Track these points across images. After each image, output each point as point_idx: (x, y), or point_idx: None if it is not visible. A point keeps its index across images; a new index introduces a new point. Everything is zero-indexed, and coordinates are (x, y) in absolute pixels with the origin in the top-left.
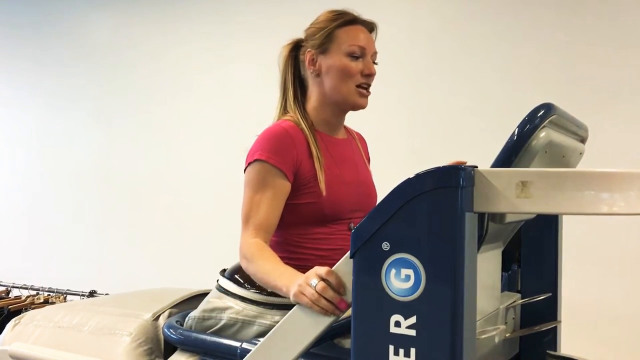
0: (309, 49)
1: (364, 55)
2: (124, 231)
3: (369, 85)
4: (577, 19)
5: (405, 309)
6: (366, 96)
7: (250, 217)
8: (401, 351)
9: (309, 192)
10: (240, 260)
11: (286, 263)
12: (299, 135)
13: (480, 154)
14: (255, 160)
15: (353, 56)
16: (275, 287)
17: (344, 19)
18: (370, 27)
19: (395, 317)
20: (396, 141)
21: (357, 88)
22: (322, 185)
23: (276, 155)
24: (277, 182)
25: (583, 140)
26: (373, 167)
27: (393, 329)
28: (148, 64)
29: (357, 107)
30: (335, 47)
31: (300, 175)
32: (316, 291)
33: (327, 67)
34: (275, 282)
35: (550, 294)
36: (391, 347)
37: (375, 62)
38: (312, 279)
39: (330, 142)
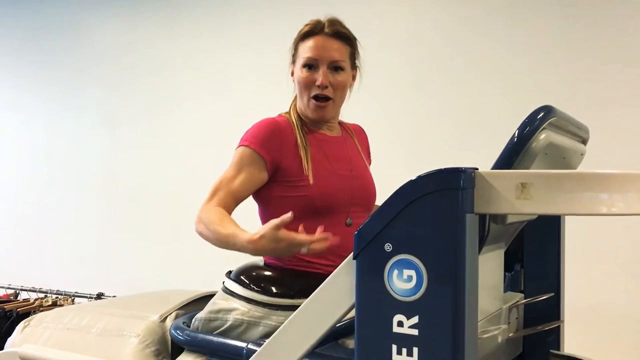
0: (290, 61)
1: (317, 66)
2: (131, 234)
3: (325, 96)
4: (577, 21)
5: (408, 309)
6: (321, 107)
7: (219, 189)
8: (404, 350)
9: (299, 185)
10: (197, 224)
11: (283, 262)
12: (289, 129)
13: (481, 157)
14: (242, 145)
15: (309, 67)
16: (236, 244)
17: (302, 32)
18: (339, 35)
19: (398, 317)
20: (396, 143)
21: (313, 100)
22: (309, 174)
23: (261, 144)
24: (255, 169)
25: (584, 141)
26: (373, 168)
27: (396, 329)
28: (154, 68)
29: (314, 119)
30: (298, 60)
31: (286, 168)
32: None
33: (294, 78)
34: (235, 242)
35: (553, 294)
36: (394, 347)
37: (341, 67)
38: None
39: (323, 139)
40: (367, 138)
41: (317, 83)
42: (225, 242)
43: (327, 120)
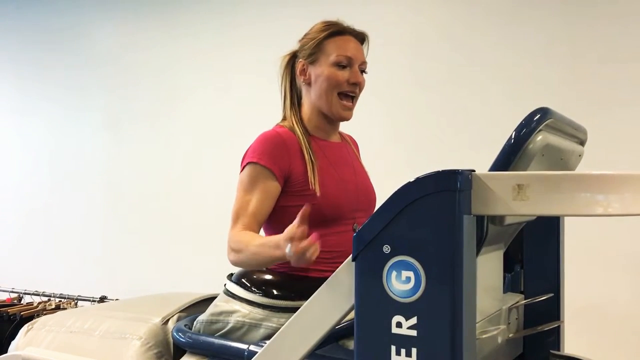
0: (300, 59)
1: (351, 64)
2: (133, 237)
3: (355, 95)
4: (578, 20)
5: (406, 310)
6: (350, 109)
7: (240, 216)
8: (403, 351)
9: (307, 195)
10: (229, 254)
11: (288, 269)
12: (292, 139)
13: (482, 157)
14: (248, 163)
15: (340, 65)
16: (271, 257)
17: (332, 30)
18: (361, 37)
19: (396, 318)
20: (397, 143)
21: (342, 100)
22: (316, 186)
23: (267, 157)
24: (268, 183)
25: (582, 142)
26: (374, 169)
27: (395, 330)
28: (156, 69)
29: (340, 119)
30: (324, 57)
31: (294, 178)
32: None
33: (315, 77)
34: (268, 254)
35: (553, 294)
36: (393, 348)
37: (365, 71)
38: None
39: (326, 145)
40: (358, 148)
41: (352, 80)
42: (257, 257)
43: (344, 121)
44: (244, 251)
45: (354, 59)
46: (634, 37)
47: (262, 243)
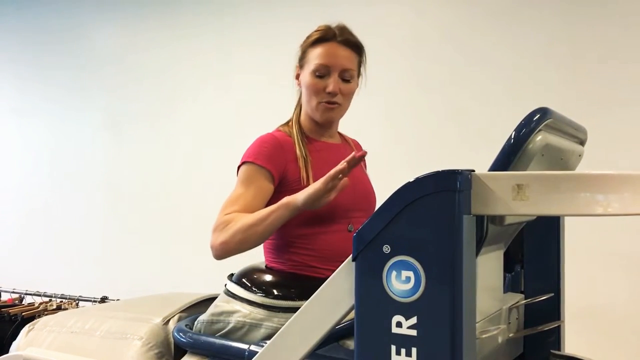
0: (296, 64)
1: (329, 73)
2: (133, 237)
3: (334, 102)
4: (576, 20)
5: (406, 310)
6: (331, 109)
7: (229, 205)
8: (403, 351)
9: None
10: (215, 234)
11: (286, 266)
12: (289, 143)
13: (482, 157)
14: (244, 163)
15: (318, 75)
16: (276, 211)
17: (315, 37)
18: (351, 44)
19: (396, 318)
20: (398, 144)
21: (323, 104)
22: (310, 183)
23: (264, 158)
24: (262, 181)
25: (582, 142)
26: (375, 169)
27: (395, 330)
28: (156, 70)
29: (324, 121)
30: (307, 65)
31: (289, 178)
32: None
33: (302, 83)
34: (272, 210)
35: (553, 294)
36: (393, 347)
37: (346, 79)
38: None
39: (323, 146)
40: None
41: (328, 90)
42: (251, 219)
43: (332, 123)
44: (236, 220)
45: (332, 68)
46: (634, 37)
47: (270, 207)
